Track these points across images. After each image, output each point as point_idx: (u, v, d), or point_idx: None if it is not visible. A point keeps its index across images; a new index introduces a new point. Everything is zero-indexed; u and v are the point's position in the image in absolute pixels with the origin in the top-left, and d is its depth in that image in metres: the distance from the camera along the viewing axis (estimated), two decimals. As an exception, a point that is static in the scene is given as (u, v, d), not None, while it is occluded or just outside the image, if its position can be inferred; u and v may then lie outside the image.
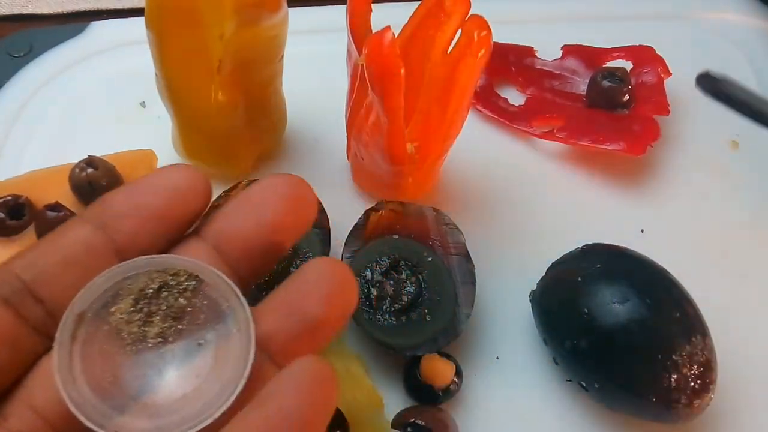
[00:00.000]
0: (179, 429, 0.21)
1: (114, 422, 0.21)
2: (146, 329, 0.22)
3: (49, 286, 0.22)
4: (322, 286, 0.23)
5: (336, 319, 0.23)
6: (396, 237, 0.41)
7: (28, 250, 0.23)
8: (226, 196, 0.41)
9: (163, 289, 0.23)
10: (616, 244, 0.39)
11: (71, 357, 0.21)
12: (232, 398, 0.21)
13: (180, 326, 0.22)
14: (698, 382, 0.34)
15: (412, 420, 0.35)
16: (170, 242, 0.24)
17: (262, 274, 0.25)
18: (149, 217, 0.23)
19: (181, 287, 0.23)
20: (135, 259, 0.22)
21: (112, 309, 0.22)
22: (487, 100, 0.50)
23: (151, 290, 0.22)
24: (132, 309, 0.22)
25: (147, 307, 0.22)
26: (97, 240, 0.23)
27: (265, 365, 0.23)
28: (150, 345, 0.22)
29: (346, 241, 0.40)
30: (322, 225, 0.41)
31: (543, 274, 0.40)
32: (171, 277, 0.23)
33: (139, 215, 0.23)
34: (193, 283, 0.23)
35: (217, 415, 0.21)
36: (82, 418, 0.20)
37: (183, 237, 0.24)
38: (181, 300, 0.23)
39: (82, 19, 0.56)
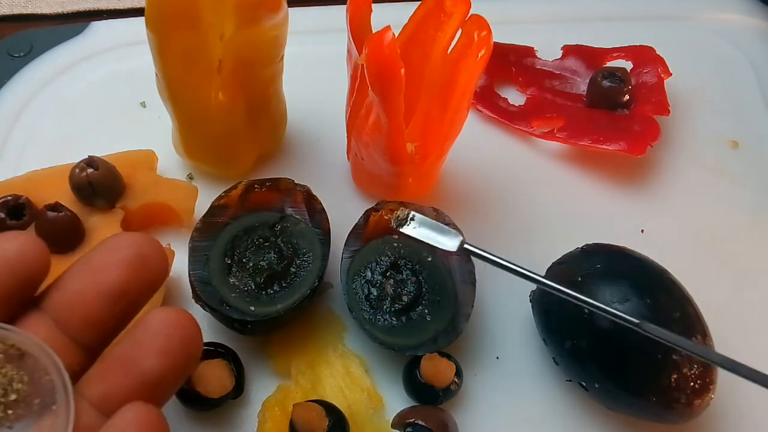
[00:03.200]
0: None
1: None
2: None
3: None
4: (159, 341, 0.22)
5: (177, 373, 0.22)
6: (396, 237, 0.41)
7: None
8: (226, 195, 0.41)
9: None
10: (616, 244, 0.39)
11: None
12: None
13: None
14: (698, 381, 0.34)
15: (412, 420, 0.35)
16: (5, 316, 0.22)
17: (111, 339, 0.24)
18: None
19: None
20: None
21: None
22: (487, 100, 0.50)
23: None
24: None
25: None
26: None
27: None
28: None
29: (346, 241, 0.40)
30: (321, 225, 0.41)
31: (543, 274, 0.40)
32: None
33: None
34: (13, 353, 0.22)
35: None
36: None
37: (22, 310, 0.23)
38: None
39: (82, 19, 0.56)
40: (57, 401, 0.22)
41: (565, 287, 0.27)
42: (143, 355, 0.22)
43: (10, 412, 0.21)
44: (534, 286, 0.40)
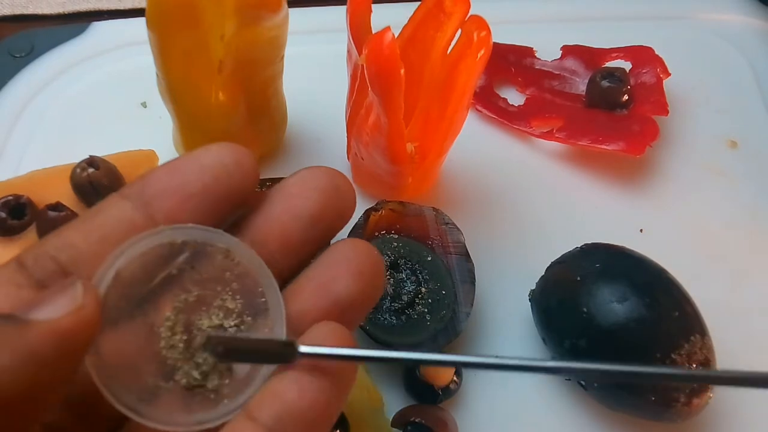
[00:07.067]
0: (213, 416, 0.20)
1: (148, 408, 0.20)
2: (179, 308, 0.21)
3: (87, 267, 0.21)
4: (351, 265, 0.22)
5: (365, 299, 0.23)
6: (396, 237, 0.41)
7: (64, 228, 0.21)
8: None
9: (199, 267, 0.22)
10: (615, 243, 0.39)
11: (103, 333, 0.20)
12: (250, 390, 0.21)
13: (212, 308, 0.22)
14: (697, 381, 0.34)
15: (412, 419, 0.35)
16: (215, 222, 0.23)
17: (301, 268, 0.24)
18: (191, 194, 0.22)
19: (217, 267, 0.22)
20: (178, 225, 0.21)
21: (146, 281, 0.21)
22: (487, 100, 0.51)
23: (187, 267, 0.22)
24: (165, 285, 0.21)
25: (180, 283, 0.21)
26: (136, 218, 0.22)
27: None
28: (182, 326, 0.21)
29: (347, 240, 0.41)
30: (322, 225, 0.41)
31: (542, 273, 0.40)
32: (208, 257, 0.22)
33: (181, 192, 0.22)
34: (230, 262, 0.22)
35: (247, 398, 0.21)
36: (116, 404, 0.20)
37: (225, 226, 0.23)
38: (216, 282, 0.22)
39: (82, 19, 0.56)
40: (273, 313, 0.22)
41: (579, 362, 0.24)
42: (336, 277, 0.22)
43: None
44: (533, 286, 0.40)
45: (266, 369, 0.21)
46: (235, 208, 0.23)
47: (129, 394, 0.20)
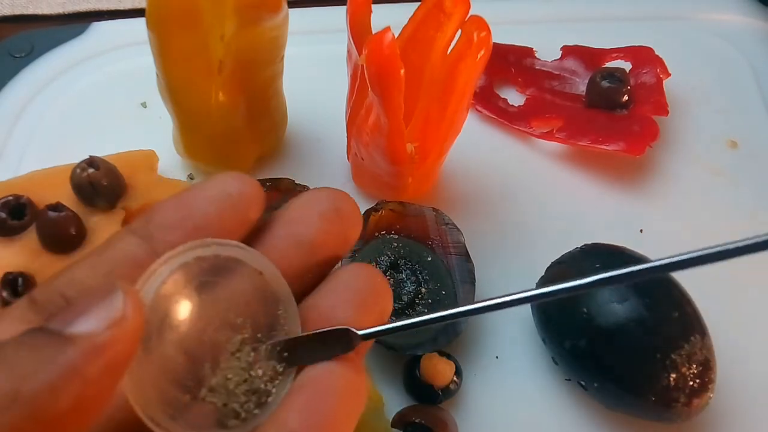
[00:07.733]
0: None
1: (175, 425, 0.20)
2: (214, 326, 0.21)
3: None
4: (356, 295, 0.22)
5: (372, 325, 0.22)
6: (396, 237, 0.41)
7: (73, 265, 0.21)
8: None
9: (233, 285, 0.22)
10: (615, 244, 0.39)
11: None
12: (273, 407, 0.21)
13: (237, 323, 0.22)
14: (697, 381, 0.34)
15: (412, 419, 0.35)
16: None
17: (303, 295, 0.23)
18: (196, 227, 0.22)
19: (248, 287, 0.22)
20: (223, 241, 0.21)
21: (183, 292, 0.21)
22: (487, 101, 0.51)
23: (221, 283, 0.22)
24: (199, 298, 0.21)
25: (213, 299, 0.21)
26: (142, 253, 0.22)
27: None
28: (207, 342, 0.21)
29: (347, 240, 0.41)
30: (322, 225, 0.41)
31: (542, 273, 0.40)
32: (241, 276, 0.22)
33: (185, 226, 0.22)
34: (262, 285, 0.22)
35: (262, 418, 0.21)
36: (148, 422, 0.19)
37: None
38: (244, 303, 0.22)
39: (82, 19, 0.56)
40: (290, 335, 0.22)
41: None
42: (340, 310, 0.22)
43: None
44: (533, 286, 0.40)
45: (277, 396, 0.21)
46: (242, 236, 0.23)
47: (160, 410, 0.20)
